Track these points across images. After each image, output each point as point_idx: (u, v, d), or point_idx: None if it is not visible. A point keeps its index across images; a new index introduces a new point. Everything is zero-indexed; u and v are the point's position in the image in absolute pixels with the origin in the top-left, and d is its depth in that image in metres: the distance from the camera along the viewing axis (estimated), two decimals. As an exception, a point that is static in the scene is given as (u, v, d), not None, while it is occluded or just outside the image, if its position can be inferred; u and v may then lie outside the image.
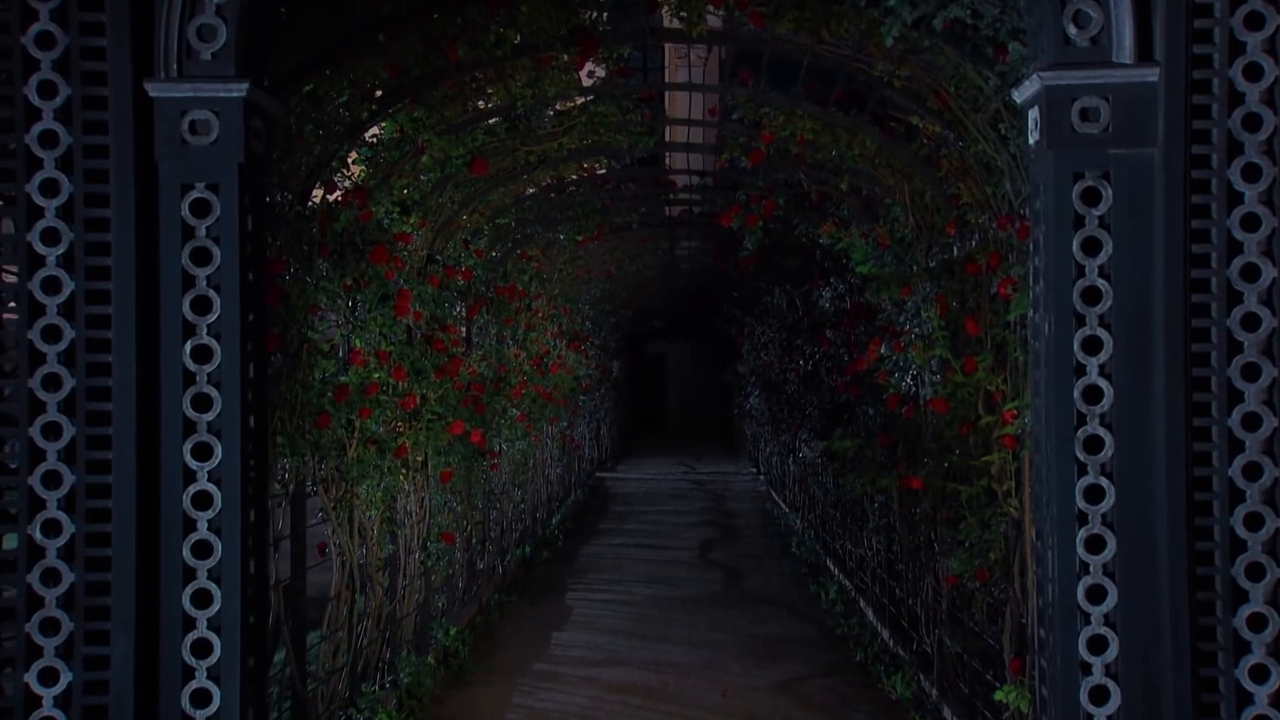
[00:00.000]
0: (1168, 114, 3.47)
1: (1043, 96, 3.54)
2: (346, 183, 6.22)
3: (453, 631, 8.39)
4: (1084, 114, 3.48)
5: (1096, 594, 3.41)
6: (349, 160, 6.37)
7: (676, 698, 7.41)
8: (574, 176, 9.24)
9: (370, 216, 5.98)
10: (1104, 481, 3.42)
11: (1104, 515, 3.43)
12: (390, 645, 7.10)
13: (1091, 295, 3.49)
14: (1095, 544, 3.42)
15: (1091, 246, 3.49)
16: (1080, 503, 3.42)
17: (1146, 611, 3.40)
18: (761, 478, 20.39)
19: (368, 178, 6.36)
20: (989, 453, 5.59)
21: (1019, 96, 3.74)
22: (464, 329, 9.40)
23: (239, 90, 3.64)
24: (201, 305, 3.69)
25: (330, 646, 6.19)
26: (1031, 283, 3.72)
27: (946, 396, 6.07)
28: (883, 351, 7.16)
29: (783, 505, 16.36)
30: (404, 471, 7.07)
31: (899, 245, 7.12)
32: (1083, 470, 3.45)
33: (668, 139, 9.22)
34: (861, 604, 9.61)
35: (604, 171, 9.49)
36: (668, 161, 11.79)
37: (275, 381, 5.06)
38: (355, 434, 6.12)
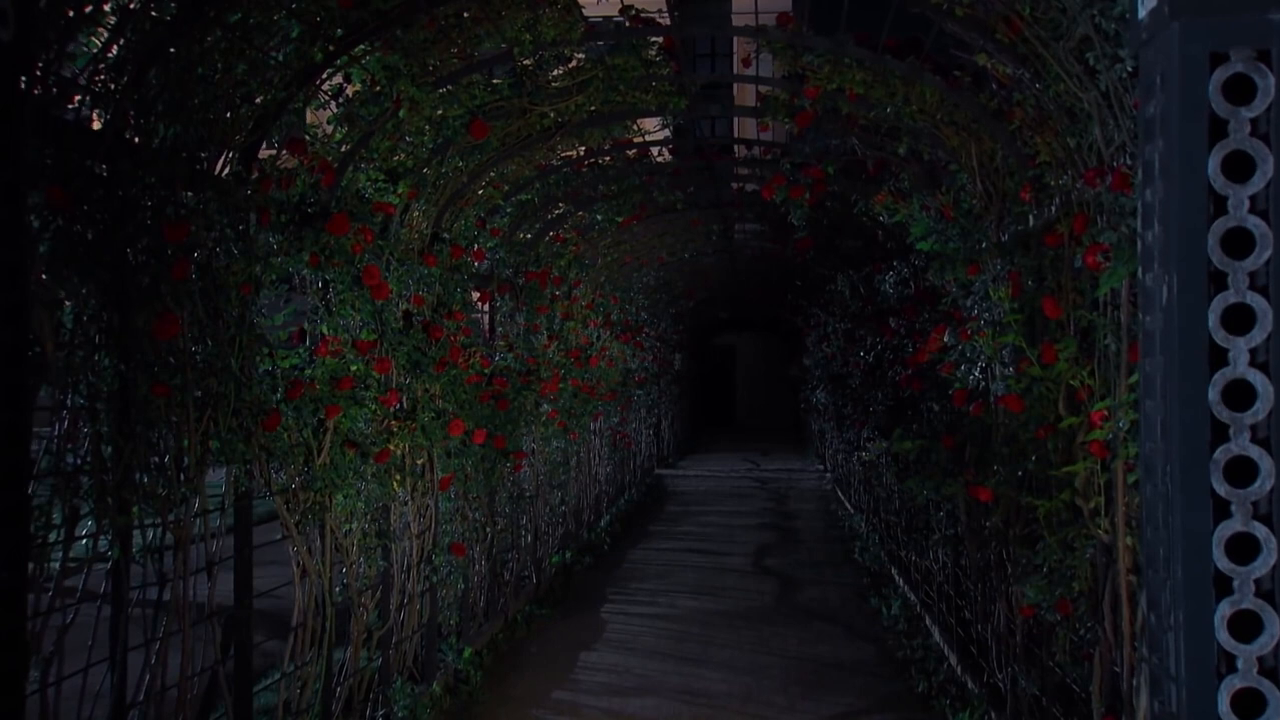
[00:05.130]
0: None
1: (1165, -67, 2.11)
2: (317, 144, 5.39)
3: (467, 653, 7.53)
4: (1229, -42, 2.14)
5: (1249, 704, 2.03)
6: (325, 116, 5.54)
7: (708, 737, 6.49)
8: (607, 145, 8.31)
9: (332, 181, 5.11)
10: (1259, 529, 2.02)
11: (1258, 581, 2.04)
12: (383, 674, 6.25)
13: (1239, 242, 2.01)
14: (1246, 626, 2.03)
15: (1239, 167, 1.99)
16: (1221, 562, 2.05)
17: (1330, 735, 2.13)
18: (828, 476, 19.35)
19: (343, 137, 5.49)
20: (1072, 461, 4.61)
21: (1122, -50, 2.37)
22: (483, 317, 8.56)
23: None
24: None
25: (296, 684, 5.34)
26: (1140, 228, 2.24)
27: (1021, 392, 5.06)
28: (947, 340, 6.22)
29: (848, 506, 15.33)
30: (398, 478, 6.22)
31: (965, 217, 6.14)
32: (1224, 511, 2.06)
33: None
34: (927, 621, 8.59)
35: (641, 140, 8.52)
36: (735, 130, 10.86)
37: (203, 375, 4.22)
38: (326, 436, 5.28)
